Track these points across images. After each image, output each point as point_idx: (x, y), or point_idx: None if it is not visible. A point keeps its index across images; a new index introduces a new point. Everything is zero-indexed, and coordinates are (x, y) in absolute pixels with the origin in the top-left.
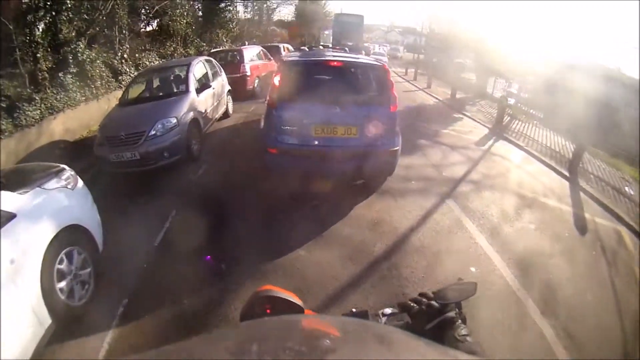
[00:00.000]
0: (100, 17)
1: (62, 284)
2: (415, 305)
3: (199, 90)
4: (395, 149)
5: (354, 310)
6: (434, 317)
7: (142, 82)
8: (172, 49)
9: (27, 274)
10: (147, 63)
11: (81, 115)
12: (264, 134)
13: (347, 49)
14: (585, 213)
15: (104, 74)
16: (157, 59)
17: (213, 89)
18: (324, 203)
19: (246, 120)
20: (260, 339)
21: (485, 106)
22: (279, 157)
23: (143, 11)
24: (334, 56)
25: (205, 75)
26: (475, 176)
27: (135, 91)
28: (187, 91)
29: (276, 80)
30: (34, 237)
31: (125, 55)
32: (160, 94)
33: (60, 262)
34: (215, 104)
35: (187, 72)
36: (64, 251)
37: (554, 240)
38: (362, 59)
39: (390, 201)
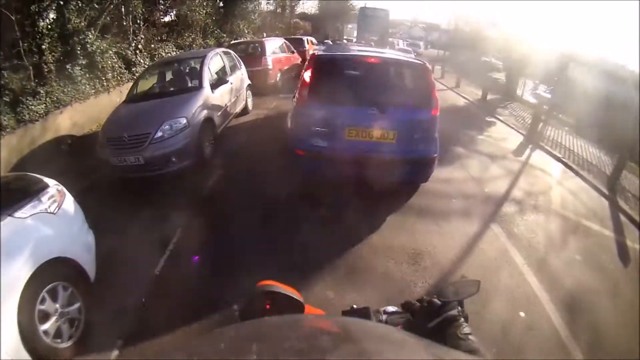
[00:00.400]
0: (113, 6)
1: (46, 326)
2: (417, 303)
3: (214, 86)
4: (434, 156)
5: (354, 307)
6: (436, 315)
7: (152, 75)
8: (190, 39)
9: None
10: (164, 54)
11: (90, 108)
12: (291, 134)
13: (372, 43)
14: (627, 240)
15: (116, 65)
16: (175, 50)
17: (231, 83)
18: (355, 223)
19: (267, 117)
20: (260, 339)
21: (517, 109)
22: (306, 160)
23: (160, 0)
24: (370, 52)
25: (223, 69)
26: (517, 193)
27: (145, 86)
28: (200, 87)
29: (306, 76)
30: (5, 279)
31: (139, 46)
32: (172, 89)
33: (42, 302)
34: (233, 100)
35: (202, 65)
36: (45, 289)
37: (600, 275)
38: (401, 56)
39: (432, 224)
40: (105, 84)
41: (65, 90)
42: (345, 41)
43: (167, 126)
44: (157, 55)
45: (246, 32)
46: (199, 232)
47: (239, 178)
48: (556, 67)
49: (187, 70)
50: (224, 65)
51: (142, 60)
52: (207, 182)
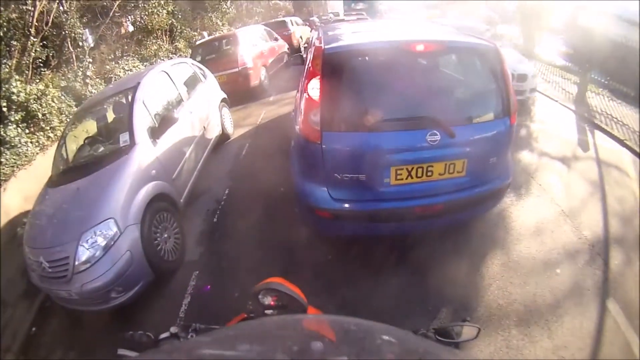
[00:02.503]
0: (41, 36)
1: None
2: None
3: (158, 131)
4: (509, 182)
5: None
6: None
7: (79, 132)
8: (155, 47)
9: None
10: (121, 74)
11: (40, 170)
12: (301, 183)
13: (364, 13)
14: None
15: (64, 106)
16: (139, 64)
17: (190, 112)
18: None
19: (257, 139)
20: (260, 339)
21: (546, 72)
22: (335, 223)
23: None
24: (403, 31)
25: (172, 95)
26: (614, 224)
27: (72, 151)
28: (132, 144)
29: (313, 89)
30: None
31: (88, 73)
32: (93, 156)
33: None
34: (200, 133)
35: (132, 105)
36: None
37: None
38: (461, 37)
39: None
40: (51, 134)
41: (2, 160)
42: (332, 15)
43: (89, 239)
44: (114, 78)
45: (221, 24)
46: None
47: (226, 285)
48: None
49: (114, 118)
50: (175, 89)
51: (94, 90)
52: (173, 308)
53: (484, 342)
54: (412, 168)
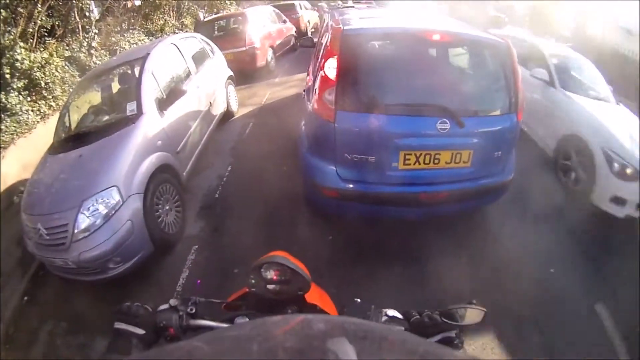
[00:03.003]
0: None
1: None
2: (417, 315)
3: (166, 102)
4: (511, 177)
5: (358, 300)
6: (433, 332)
7: (83, 101)
8: (162, 22)
9: None
10: (127, 47)
11: (40, 139)
12: (309, 162)
13: (372, 2)
14: None
15: (67, 75)
16: (145, 38)
17: (198, 87)
18: None
19: (260, 118)
20: (260, 339)
21: None
22: (341, 203)
23: None
24: (429, 25)
25: (181, 68)
26: None
27: (75, 120)
28: (139, 114)
29: (330, 69)
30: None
31: (93, 44)
32: (96, 125)
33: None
34: (206, 108)
35: (140, 74)
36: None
37: None
38: (475, 31)
39: None
40: (53, 103)
41: (2, 127)
42: (340, 2)
43: (91, 207)
44: (119, 50)
45: (229, 3)
46: None
47: (225, 267)
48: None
49: (121, 88)
50: (184, 62)
51: (98, 61)
52: (169, 286)
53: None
54: (420, 154)
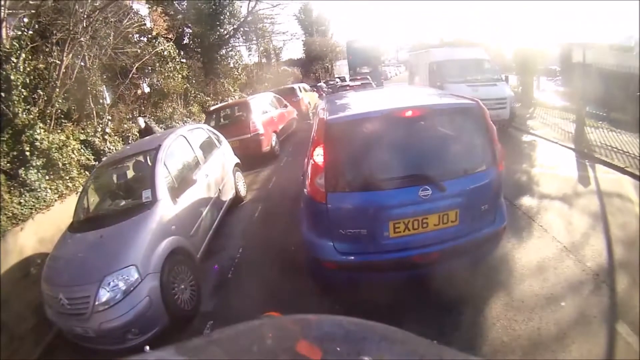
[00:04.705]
0: (66, 88)
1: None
2: None
3: (178, 190)
4: (504, 225)
5: None
6: None
7: (100, 185)
8: (170, 109)
9: None
10: (137, 134)
11: (57, 216)
12: (309, 239)
13: (368, 77)
14: None
15: (83, 158)
16: (155, 125)
17: (207, 176)
18: None
19: (269, 202)
20: (260, 339)
21: (544, 116)
22: (339, 273)
23: (131, 73)
24: (397, 100)
25: (190, 158)
26: (618, 250)
27: (93, 202)
28: (154, 201)
29: (318, 155)
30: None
31: (107, 130)
32: (114, 209)
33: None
34: (215, 195)
35: (154, 164)
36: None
37: None
38: (446, 99)
39: None
40: (70, 184)
41: (22, 201)
42: (338, 80)
43: (110, 283)
44: (131, 137)
45: (232, 90)
46: None
47: None
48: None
49: (135, 176)
50: (192, 152)
51: (112, 147)
52: None
53: None
54: (409, 221)
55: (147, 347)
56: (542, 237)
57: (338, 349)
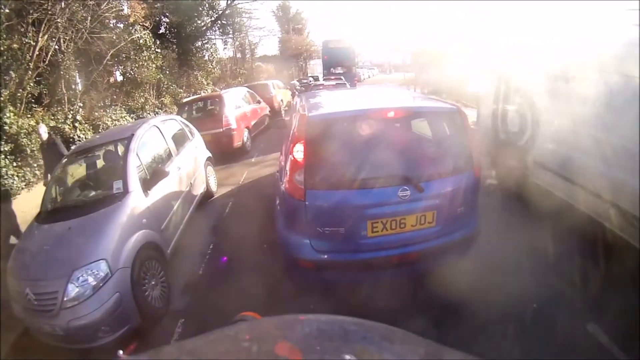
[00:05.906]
0: (38, 72)
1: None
2: None
3: (149, 182)
4: (477, 229)
5: None
6: None
7: (70, 175)
8: (142, 100)
9: None
10: (109, 123)
11: (25, 206)
12: (285, 237)
13: (342, 77)
14: None
15: None
16: (126, 115)
17: (179, 168)
18: None
19: (240, 198)
20: (260, 339)
21: None
22: (316, 273)
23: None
24: (378, 100)
25: (162, 149)
26: None
27: (62, 192)
28: (125, 192)
29: (298, 152)
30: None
31: (78, 117)
32: (84, 200)
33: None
34: (187, 189)
35: (126, 154)
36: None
37: None
38: (427, 102)
39: None
40: (38, 172)
41: None
42: (312, 79)
43: (80, 277)
44: (101, 126)
45: (205, 83)
46: None
47: None
48: None
49: (106, 166)
50: (165, 144)
51: (82, 135)
52: None
53: None
54: (387, 221)
55: (121, 352)
56: None
57: (337, 349)
